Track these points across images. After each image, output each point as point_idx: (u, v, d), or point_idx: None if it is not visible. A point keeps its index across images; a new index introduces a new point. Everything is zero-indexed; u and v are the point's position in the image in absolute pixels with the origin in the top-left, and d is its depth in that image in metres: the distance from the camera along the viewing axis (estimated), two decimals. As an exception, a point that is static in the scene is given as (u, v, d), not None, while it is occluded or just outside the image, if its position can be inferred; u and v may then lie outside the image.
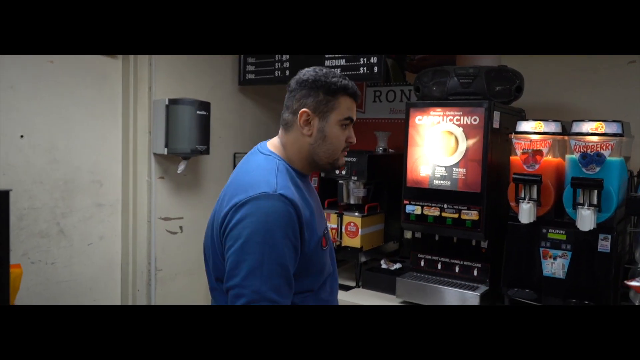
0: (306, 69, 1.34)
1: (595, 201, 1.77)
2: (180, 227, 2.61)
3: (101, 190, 2.39)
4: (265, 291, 1.17)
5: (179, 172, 2.49)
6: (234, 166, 2.75)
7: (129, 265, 2.49)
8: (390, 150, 2.75)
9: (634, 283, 0.83)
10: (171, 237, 2.57)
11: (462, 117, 2.02)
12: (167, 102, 2.36)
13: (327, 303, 1.40)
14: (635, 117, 2.09)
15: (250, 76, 2.78)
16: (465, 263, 2.15)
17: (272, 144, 1.39)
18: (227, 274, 1.22)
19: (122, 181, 2.48)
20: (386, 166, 2.58)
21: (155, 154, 2.46)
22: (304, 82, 1.31)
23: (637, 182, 1.90)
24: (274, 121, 3.08)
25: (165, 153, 2.39)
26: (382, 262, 2.56)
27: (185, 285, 2.64)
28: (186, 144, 2.37)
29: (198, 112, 2.35)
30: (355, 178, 2.43)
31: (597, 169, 1.78)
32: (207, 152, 2.45)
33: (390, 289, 2.26)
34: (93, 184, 2.35)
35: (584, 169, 1.81)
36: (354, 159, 2.41)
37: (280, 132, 1.40)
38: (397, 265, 2.51)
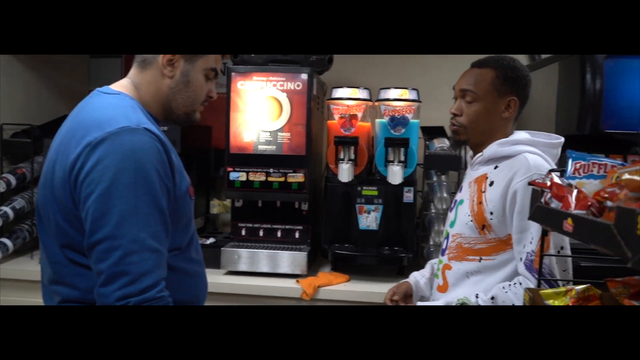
0: None
1: (402, 158, 2.04)
2: None
3: None
4: (145, 238, 1.01)
5: None
6: (1, 140, 2.24)
7: None
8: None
9: (538, 181, 0.99)
10: None
11: (285, 83, 2.07)
12: None
13: (196, 263, 1.28)
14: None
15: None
16: (287, 227, 2.21)
17: (120, 84, 1.21)
18: (91, 226, 1.01)
19: None
20: (196, 137, 2.46)
21: None
22: None
23: (425, 141, 2.25)
24: (53, 95, 2.60)
25: None
26: (194, 238, 2.44)
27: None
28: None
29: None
30: (167, 149, 2.25)
31: (403, 130, 2.06)
32: (-26, 117, 1.93)
33: (214, 263, 2.15)
34: None
35: (392, 131, 2.06)
36: (165, 128, 2.22)
37: (133, 71, 1.22)
38: (211, 240, 2.42)
